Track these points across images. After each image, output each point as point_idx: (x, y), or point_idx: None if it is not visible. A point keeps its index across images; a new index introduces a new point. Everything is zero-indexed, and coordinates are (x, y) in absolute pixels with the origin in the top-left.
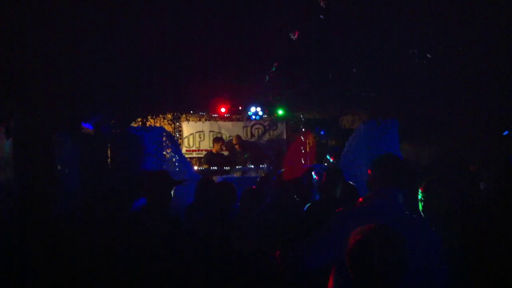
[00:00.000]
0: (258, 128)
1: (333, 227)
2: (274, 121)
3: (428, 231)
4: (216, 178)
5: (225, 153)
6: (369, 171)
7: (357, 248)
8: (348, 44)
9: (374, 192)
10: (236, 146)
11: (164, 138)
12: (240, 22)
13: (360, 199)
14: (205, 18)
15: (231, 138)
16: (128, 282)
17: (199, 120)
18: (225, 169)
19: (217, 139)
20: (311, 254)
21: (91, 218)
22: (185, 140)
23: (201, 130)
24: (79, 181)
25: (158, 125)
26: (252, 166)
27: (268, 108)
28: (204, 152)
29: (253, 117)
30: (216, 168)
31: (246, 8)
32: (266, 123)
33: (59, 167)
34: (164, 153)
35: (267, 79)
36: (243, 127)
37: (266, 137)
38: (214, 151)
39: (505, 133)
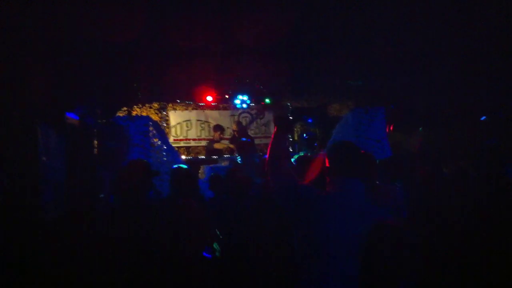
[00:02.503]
0: (245, 117)
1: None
2: (261, 109)
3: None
4: (204, 168)
5: (225, 141)
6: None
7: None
8: (336, 32)
9: (332, 182)
10: (235, 133)
11: (150, 128)
12: (226, 10)
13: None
14: (191, 5)
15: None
16: (110, 274)
17: (186, 109)
18: (213, 159)
19: (216, 128)
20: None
21: (77, 210)
22: (172, 129)
23: (188, 119)
24: (65, 173)
25: (144, 114)
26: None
27: (255, 97)
28: (192, 141)
29: (240, 105)
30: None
31: None
32: (253, 112)
33: (43, 159)
34: (151, 142)
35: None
36: (230, 115)
37: (254, 125)
38: (214, 140)
39: (482, 118)
